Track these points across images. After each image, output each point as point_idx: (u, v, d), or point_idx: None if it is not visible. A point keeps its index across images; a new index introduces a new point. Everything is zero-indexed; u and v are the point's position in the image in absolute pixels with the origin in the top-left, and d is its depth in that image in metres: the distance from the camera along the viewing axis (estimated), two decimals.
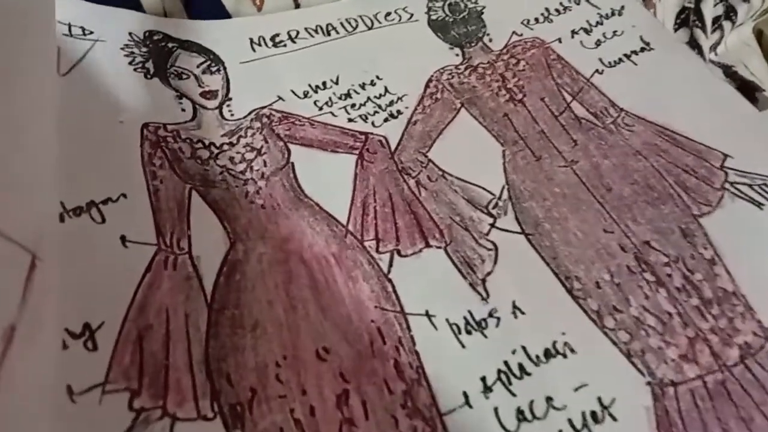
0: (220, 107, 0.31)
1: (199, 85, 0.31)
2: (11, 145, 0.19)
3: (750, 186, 0.27)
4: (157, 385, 0.21)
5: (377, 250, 0.26)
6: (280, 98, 0.32)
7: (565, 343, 0.23)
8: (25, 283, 0.16)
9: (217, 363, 0.22)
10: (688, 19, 0.42)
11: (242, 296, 0.24)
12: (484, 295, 0.25)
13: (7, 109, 0.20)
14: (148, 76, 0.31)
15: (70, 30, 0.30)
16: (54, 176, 0.22)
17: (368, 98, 0.32)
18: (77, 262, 0.22)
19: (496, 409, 0.22)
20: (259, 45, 0.34)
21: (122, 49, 0.31)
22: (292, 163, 0.29)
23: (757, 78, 0.41)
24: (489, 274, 0.25)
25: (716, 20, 0.43)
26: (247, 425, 0.21)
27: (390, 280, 0.25)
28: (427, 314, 0.24)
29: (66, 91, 0.26)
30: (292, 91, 0.32)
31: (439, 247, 0.26)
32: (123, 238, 0.24)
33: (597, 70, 0.33)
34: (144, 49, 0.32)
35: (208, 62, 0.33)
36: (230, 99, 0.31)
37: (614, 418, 0.21)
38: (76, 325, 0.21)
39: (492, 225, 0.27)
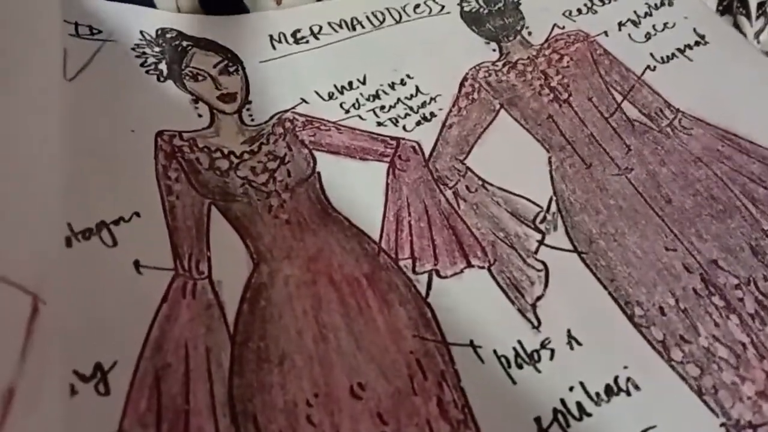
0: (239, 111, 0.29)
1: (217, 88, 0.29)
2: (8, 168, 0.16)
3: None
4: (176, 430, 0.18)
5: (414, 271, 0.24)
6: (303, 101, 0.29)
7: (628, 379, 0.21)
8: (26, 334, 0.14)
9: (242, 404, 0.20)
10: (731, 5, 0.39)
11: (268, 326, 0.22)
12: (535, 323, 0.22)
13: (4, 123, 0.17)
14: (162, 79, 0.28)
15: (76, 30, 0.28)
16: (60, 195, 0.20)
17: (398, 99, 0.30)
18: (86, 294, 0.20)
19: None
20: (280, 42, 0.31)
21: (133, 49, 0.29)
22: (319, 173, 0.27)
23: None
24: (540, 298, 0.23)
25: (761, 6, 0.40)
26: None
27: (429, 305, 0.23)
28: (471, 344, 0.22)
29: (73, 98, 0.24)
30: (317, 93, 0.30)
31: (482, 267, 0.24)
32: (137, 264, 0.22)
33: (648, 67, 0.30)
34: (156, 49, 0.29)
35: (226, 62, 0.30)
36: (250, 102, 0.29)
37: None
38: (86, 367, 0.19)
39: (540, 242, 0.25)
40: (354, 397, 0.21)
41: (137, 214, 0.23)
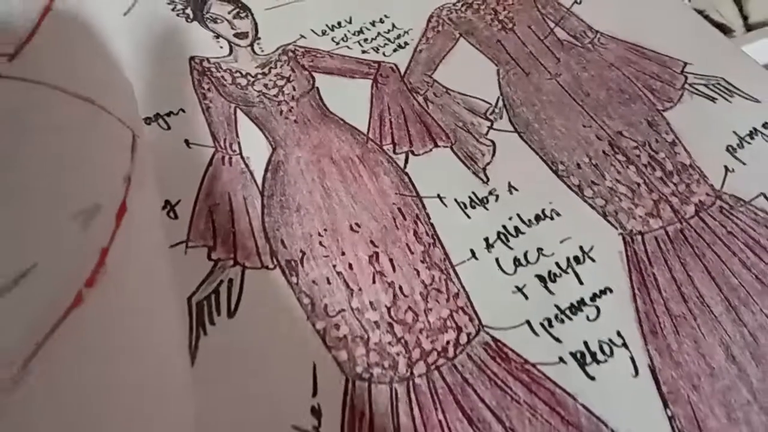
0: (251, 45, 0.36)
1: (232, 28, 0.37)
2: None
3: (705, 85, 0.32)
4: (227, 244, 0.26)
5: (394, 152, 0.32)
6: (302, 36, 0.37)
7: (552, 209, 0.28)
8: (132, 147, 0.21)
9: (273, 232, 0.27)
10: None
11: (286, 188, 0.29)
12: (485, 179, 0.30)
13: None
14: (189, 20, 0.36)
15: None
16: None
17: (378, 33, 0.37)
18: (153, 155, 0.27)
19: (497, 259, 0.27)
20: None
21: None
22: (317, 88, 0.34)
23: (727, 20, 0.45)
24: (488, 164, 0.31)
25: None
26: (301, 275, 0.26)
27: (407, 173, 0.31)
28: (438, 197, 0.29)
29: (128, 29, 0.32)
30: (312, 30, 0.37)
31: (446, 147, 0.32)
32: (186, 141, 0.29)
33: (576, 1, 0.38)
34: None
35: (237, 10, 0.38)
36: (259, 38, 0.37)
37: (593, 260, 0.27)
38: (159, 201, 0.26)
39: (490, 127, 0.32)
40: (352, 231, 0.28)
41: (183, 110, 0.30)
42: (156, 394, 0.17)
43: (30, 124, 0.19)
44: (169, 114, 0.30)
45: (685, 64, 0.33)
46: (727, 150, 0.30)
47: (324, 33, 0.37)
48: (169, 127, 0.29)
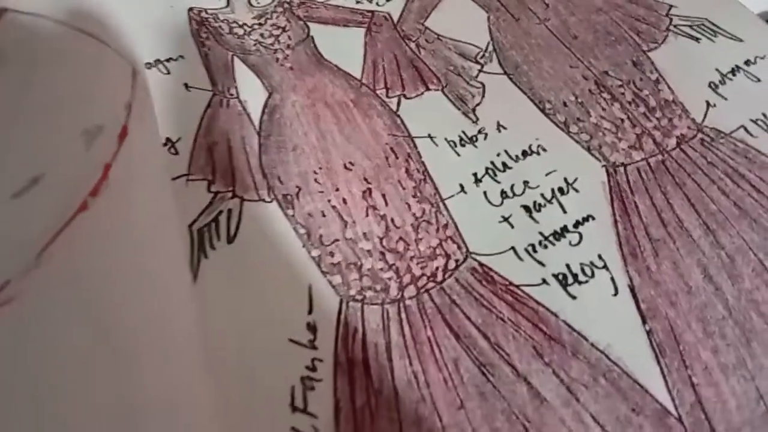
0: None
1: None
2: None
3: (690, 26, 0.33)
4: (226, 178, 0.27)
5: (387, 96, 0.33)
6: None
7: (539, 146, 0.30)
8: (132, 79, 0.23)
9: (269, 169, 0.28)
10: None
11: (283, 129, 0.30)
12: (474, 119, 0.31)
13: None
14: None
15: None
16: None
17: None
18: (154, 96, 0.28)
19: (485, 192, 0.28)
20: None
21: None
22: (312, 37, 0.35)
23: None
24: (478, 105, 0.32)
25: None
26: (297, 208, 0.27)
27: (399, 116, 0.32)
28: (429, 136, 0.31)
29: None
30: None
31: (437, 90, 0.33)
32: (186, 85, 0.30)
33: None
34: None
35: None
36: None
37: (577, 191, 0.28)
38: (159, 135, 0.27)
39: (480, 70, 0.33)
40: (346, 168, 0.29)
41: (182, 57, 0.31)
42: (160, 295, 0.18)
43: (40, 54, 0.20)
44: (168, 60, 0.31)
45: (670, 6, 0.34)
46: (710, 86, 0.31)
47: None
48: (168, 72, 0.30)
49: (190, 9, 0.34)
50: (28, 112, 0.19)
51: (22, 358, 0.15)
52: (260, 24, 0.35)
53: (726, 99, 0.30)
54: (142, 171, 0.21)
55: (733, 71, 0.31)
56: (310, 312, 0.24)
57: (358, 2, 0.37)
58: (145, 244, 0.19)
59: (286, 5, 0.36)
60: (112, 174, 0.18)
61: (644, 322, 0.24)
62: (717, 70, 0.31)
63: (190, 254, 0.24)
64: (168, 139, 0.27)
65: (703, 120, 0.29)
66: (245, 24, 0.35)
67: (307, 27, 0.35)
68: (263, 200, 0.27)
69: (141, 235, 0.19)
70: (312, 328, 0.23)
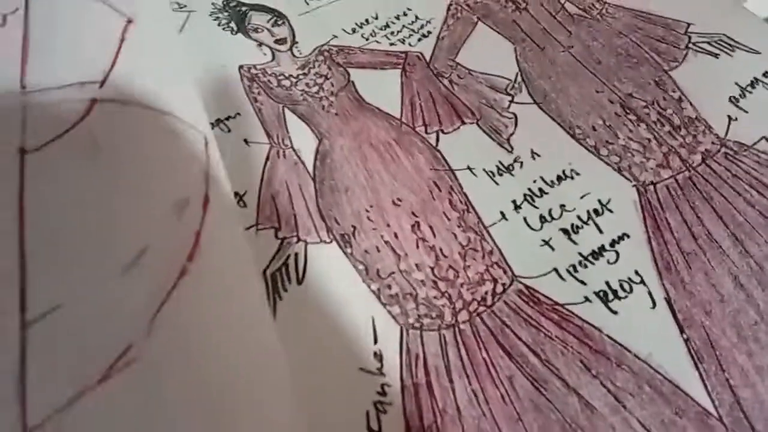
0: (290, 49, 0.40)
1: (272, 35, 0.41)
2: None
3: (708, 43, 0.35)
4: (290, 225, 0.30)
5: (426, 132, 0.35)
6: (334, 36, 0.41)
7: (572, 170, 0.32)
8: (205, 148, 0.26)
9: (326, 211, 0.31)
10: None
11: (334, 173, 0.34)
12: (509, 149, 0.34)
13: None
14: (234, 33, 0.40)
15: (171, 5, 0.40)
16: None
17: (403, 26, 0.41)
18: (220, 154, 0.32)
19: (525, 218, 0.31)
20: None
21: (210, 15, 0.41)
22: (353, 81, 0.38)
23: None
24: (512, 134, 0.34)
25: None
26: (354, 246, 0.30)
27: (439, 150, 0.34)
28: (468, 168, 0.33)
29: (184, 46, 0.36)
30: (343, 29, 0.41)
31: (472, 123, 0.35)
32: (245, 140, 0.33)
33: None
34: (225, 14, 0.41)
35: (275, 18, 0.42)
36: (297, 42, 0.41)
37: (611, 211, 0.30)
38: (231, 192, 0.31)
39: (511, 101, 0.36)
40: (395, 205, 0.32)
41: (239, 114, 0.35)
42: (251, 345, 0.22)
43: (126, 137, 0.24)
44: (227, 118, 0.34)
45: (688, 24, 0.36)
46: (730, 101, 0.33)
47: (354, 31, 0.41)
48: (229, 130, 0.34)
49: (241, 67, 0.38)
50: (124, 193, 0.22)
51: (144, 412, 0.18)
52: (305, 74, 0.39)
53: (747, 112, 0.32)
54: (223, 231, 0.24)
55: (752, 84, 0.33)
56: (375, 342, 0.27)
57: (391, 45, 0.40)
58: (234, 296, 0.22)
59: (326, 54, 0.40)
60: (202, 239, 0.21)
61: (682, 331, 0.26)
62: (737, 84, 0.33)
63: (267, 297, 0.27)
64: (236, 193, 0.31)
65: (726, 134, 0.31)
66: (291, 75, 0.39)
67: (348, 73, 0.39)
68: (324, 241, 0.30)
69: (231, 289, 0.22)
70: (378, 356, 0.26)
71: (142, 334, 0.18)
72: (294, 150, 0.34)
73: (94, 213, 0.21)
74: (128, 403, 0.17)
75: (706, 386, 0.25)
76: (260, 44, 0.40)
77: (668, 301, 0.27)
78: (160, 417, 0.17)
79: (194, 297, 0.20)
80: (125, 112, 0.24)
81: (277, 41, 0.41)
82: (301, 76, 0.39)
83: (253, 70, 0.38)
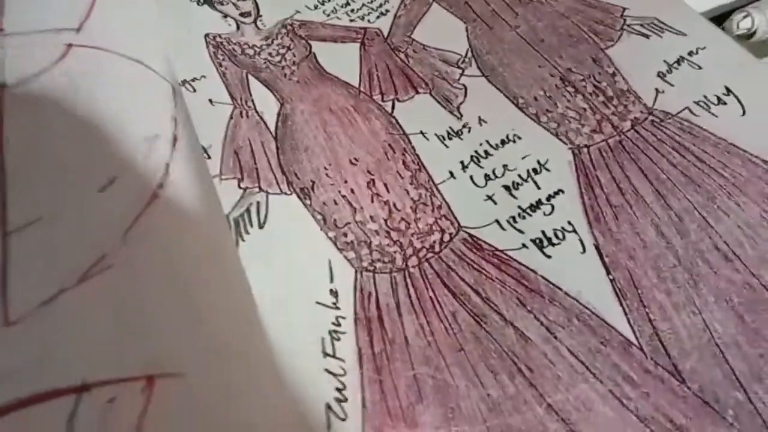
0: (254, 22, 0.42)
1: (237, 9, 0.43)
2: None
3: (641, 25, 0.39)
4: (252, 177, 0.32)
5: (382, 100, 0.38)
6: (297, 11, 0.43)
7: (515, 135, 0.35)
8: (173, 95, 0.28)
9: (287, 167, 0.34)
10: None
11: (295, 134, 0.36)
12: (459, 116, 0.36)
13: None
14: (200, 4, 0.42)
15: None
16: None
17: (363, 4, 0.43)
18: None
19: (471, 176, 0.33)
20: None
21: None
22: (314, 53, 0.40)
23: None
24: (461, 103, 0.37)
25: None
26: (313, 198, 0.32)
27: (394, 117, 0.37)
28: (421, 132, 0.36)
29: (155, 8, 0.38)
30: (306, 6, 0.43)
31: (426, 93, 0.38)
32: (210, 100, 0.35)
33: None
34: None
35: None
36: (261, 16, 0.43)
37: (548, 170, 0.33)
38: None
39: (461, 74, 0.38)
40: (352, 164, 0.34)
41: (204, 76, 0.37)
42: (218, 257, 0.24)
43: (100, 80, 0.25)
44: (193, 79, 0.36)
45: (624, 9, 0.40)
46: (658, 75, 0.36)
47: (316, 7, 0.43)
48: (195, 90, 0.36)
49: (207, 35, 0.39)
50: (98, 125, 0.24)
51: (121, 309, 0.20)
52: (267, 45, 0.41)
53: (673, 85, 0.35)
54: (192, 167, 0.26)
55: (678, 61, 0.36)
56: (331, 281, 0.29)
57: (351, 21, 0.42)
58: (201, 220, 0.24)
59: (289, 27, 0.42)
60: (171, 169, 0.23)
61: (608, 272, 0.29)
62: (665, 61, 0.36)
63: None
64: (201, 146, 0.32)
65: (654, 104, 0.35)
66: (255, 45, 0.40)
67: (309, 45, 0.41)
68: (285, 193, 0.32)
69: (198, 215, 0.24)
70: (334, 293, 0.28)
71: (117, 243, 0.20)
72: (256, 111, 0.36)
73: (70, 142, 0.22)
74: (105, 301, 0.19)
75: (628, 320, 0.28)
76: (225, 16, 0.42)
77: (597, 246, 0.30)
78: (136, 313, 0.19)
79: (165, 217, 0.22)
80: (100, 56, 0.26)
81: (241, 14, 0.42)
82: (264, 46, 0.40)
83: (218, 39, 0.40)
